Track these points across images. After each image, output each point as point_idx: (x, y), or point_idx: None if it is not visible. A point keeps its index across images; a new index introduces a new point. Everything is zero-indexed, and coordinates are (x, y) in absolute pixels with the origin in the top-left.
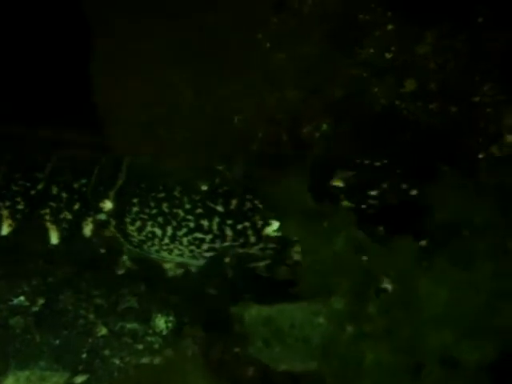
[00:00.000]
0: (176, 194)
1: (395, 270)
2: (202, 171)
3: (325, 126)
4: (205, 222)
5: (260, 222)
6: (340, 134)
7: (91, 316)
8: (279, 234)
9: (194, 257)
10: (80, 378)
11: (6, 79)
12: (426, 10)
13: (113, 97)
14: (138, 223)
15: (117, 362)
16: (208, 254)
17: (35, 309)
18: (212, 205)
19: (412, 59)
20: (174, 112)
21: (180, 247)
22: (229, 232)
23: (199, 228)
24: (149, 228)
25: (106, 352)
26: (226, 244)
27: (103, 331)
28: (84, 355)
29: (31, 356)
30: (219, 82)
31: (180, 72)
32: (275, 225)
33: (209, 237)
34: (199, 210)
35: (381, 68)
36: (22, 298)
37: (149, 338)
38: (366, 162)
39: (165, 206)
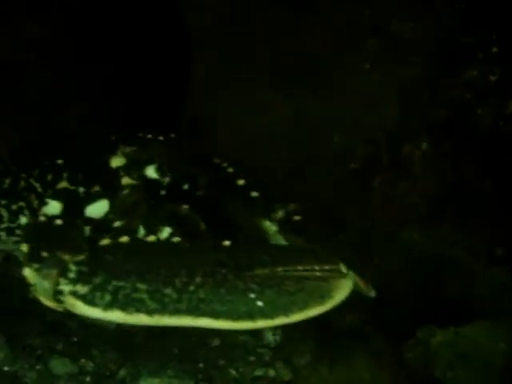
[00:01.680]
0: None
1: None
2: None
3: (425, 145)
4: None
5: (36, 202)
6: (441, 154)
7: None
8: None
9: None
10: None
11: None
12: None
13: (213, 111)
14: None
15: (233, 372)
16: None
17: None
18: None
19: None
20: (274, 131)
21: None
22: (4, 213)
23: None
24: None
25: (222, 362)
26: (4, 226)
27: (217, 342)
28: (201, 365)
29: (159, 364)
30: (319, 102)
31: (281, 93)
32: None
33: None
34: None
35: (484, 89)
36: None
37: (259, 350)
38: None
39: None
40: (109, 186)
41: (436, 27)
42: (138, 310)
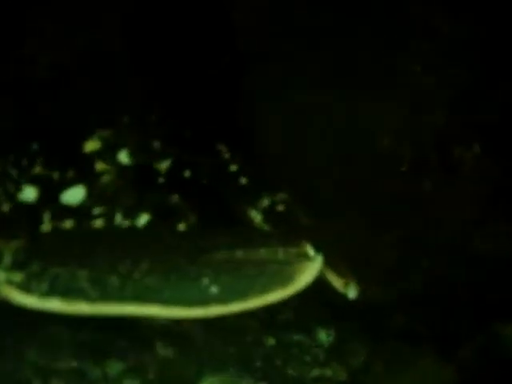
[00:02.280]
0: None
1: None
2: None
3: (476, 147)
4: None
5: (12, 188)
6: (492, 156)
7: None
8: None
9: None
10: None
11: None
12: None
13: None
14: None
15: (291, 371)
16: None
17: None
18: None
19: None
20: (323, 134)
21: None
22: None
23: None
24: None
25: (278, 362)
26: None
27: (272, 341)
28: (259, 363)
29: (220, 362)
30: (370, 103)
31: (331, 94)
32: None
33: None
34: None
35: None
36: None
37: (313, 350)
38: None
39: None
40: (83, 171)
41: (489, 31)
42: (78, 299)
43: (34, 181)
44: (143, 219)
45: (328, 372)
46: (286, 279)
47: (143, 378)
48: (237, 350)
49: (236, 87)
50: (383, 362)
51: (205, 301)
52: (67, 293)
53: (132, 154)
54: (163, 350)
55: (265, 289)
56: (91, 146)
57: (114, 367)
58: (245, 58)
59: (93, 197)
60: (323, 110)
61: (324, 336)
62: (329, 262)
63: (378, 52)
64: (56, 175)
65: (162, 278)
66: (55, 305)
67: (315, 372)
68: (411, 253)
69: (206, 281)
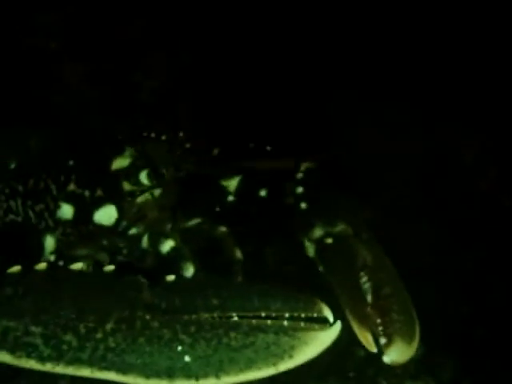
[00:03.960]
0: None
1: None
2: None
3: None
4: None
5: (52, 204)
6: None
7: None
8: None
9: None
10: None
11: None
12: None
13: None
14: None
15: (384, 383)
16: None
17: None
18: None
19: None
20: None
21: None
22: (31, 214)
23: None
24: None
25: (370, 372)
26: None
27: (362, 352)
28: (352, 374)
29: (319, 373)
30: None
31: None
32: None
33: None
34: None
35: None
36: None
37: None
38: None
39: None
40: (111, 191)
41: None
42: (29, 356)
43: (69, 199)
44: (168, 245)
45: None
46: (281, 353)
47: None
48: (331, 361)
49: None
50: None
51: (172, 372)
52: (17, 348)
53: (149, 176)
54: None
55: (247, 365)
56: (118, 163)
57: None
58: None
59: (127, 218)
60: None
61: None
62: None
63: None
64: (87, 193)
65: (128, 340)
66: (5, 357)
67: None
68: (493, 266)
69: (179, 348)
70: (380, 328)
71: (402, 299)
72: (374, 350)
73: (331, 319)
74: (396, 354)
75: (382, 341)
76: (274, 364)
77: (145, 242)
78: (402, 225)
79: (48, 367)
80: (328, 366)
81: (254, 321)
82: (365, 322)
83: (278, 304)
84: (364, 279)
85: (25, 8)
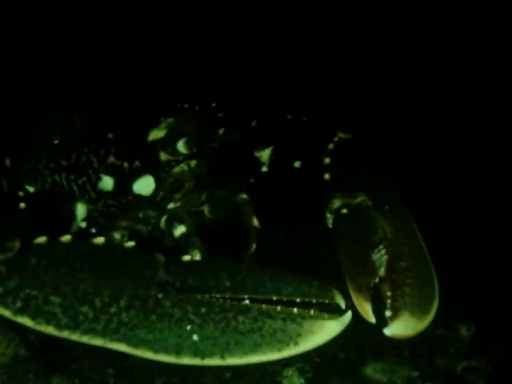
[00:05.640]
0: None
1: None
2: None
3: None
4: None
5: (93, 177)
6: None
7: None
8: None
9: None
10: (415, 373)
11: None
12: None
13: None
14: None
15: (440, 362)
16: None
17: None
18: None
19: None
20: None
21: None
22: (75, 187)
23: None
24: None
25: (426, 352)
26: None
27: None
28: (408, 353)
29: (381, 350)
30: None
31: None
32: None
33: None
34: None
35: None
36: None
37: (456, 344)
38: None
39: None
40: (148, 161)
41: None
42: (48, 322)
43: (109, 171)
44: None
45: (474, 363)
46: (287, 340)
47: None
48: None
49: None
50: None
51: (179, 349)
52: (38, 314)
53: (187, 144)
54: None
55: (252, 349)
56: (155, 134)
57: None
58: None
59: (164, 188)
60: None
61: (465, 331)
62: None
63: None
64: (125, 165)
65: (140, 317)
66: (26, 322)
67: (463, 364)
68: None
69: (188, 327)
70: (388, 301)
71: (422, 274)
72: (372, 320)
73: (343, 306)
74: (400, 328)
75: (387, 314)
76: (279, 350)
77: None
78: None
79: (64, 334)
80: (384, 345)
81: (263, 306)
82: (363, 291)
83: (289, 288)
84: (381, 251)
85: None
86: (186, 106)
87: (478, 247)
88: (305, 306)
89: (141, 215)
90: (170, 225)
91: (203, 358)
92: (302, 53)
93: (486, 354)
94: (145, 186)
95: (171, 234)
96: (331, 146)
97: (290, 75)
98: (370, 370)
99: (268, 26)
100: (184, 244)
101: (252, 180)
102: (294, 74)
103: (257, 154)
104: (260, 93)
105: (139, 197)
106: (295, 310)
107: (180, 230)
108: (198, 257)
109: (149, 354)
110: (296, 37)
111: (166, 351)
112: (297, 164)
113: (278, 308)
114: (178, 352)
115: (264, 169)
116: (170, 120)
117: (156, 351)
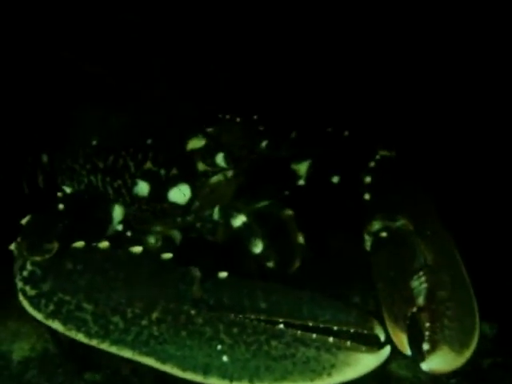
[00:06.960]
0: None
1: None
2: None
3: None
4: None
5: (129, 181)
6: None
7: None
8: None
9: None
10: None
11: None
12: None
13: None
14: None
15: None
16: None
17: None
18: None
19: None
20: None
21: None
22: (110, 190)
23: None
24: None
25: None
26: None
27: None
28: None
29: None
30: None
31: None
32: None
33: None
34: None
35: None
36: None
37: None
38: None
39: None
40: (185, 170)
41: None
42: (78, 329)
43: (145, 176)
44: (240, 220)
45: (499, 360)
46: (320, 370)
47: None
48: None
49: None
50: None
51: (208, 369)
52: (69, 320)
53: (225, 159)
54: None
55: (283, 376)
56: (193, 144)
57: None
58: None
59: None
60: None
61: (488, 329)
62: None
63: None
64: (162, 172)
65: (171, 332)
66: (57, 326)
67: (488, 360)
68: None
69: (218, 347)
70: (426, 333)
71: (463, 304)
72: (408, 353)
73: (382, 339)
74: (438, 363)
75: (425, 347)
76: (311, 379)
77: (216, 214)
78: None
79: (94, 343)
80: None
81: (298, 332)
82: (400, 321)
83: (326, 315)
84: (420, 279)
85: None
86: (228, 116)
87: (501, 245)
88: (342, 335)
89: (178, 221)
90: (227, 215)
91: (231, 380)
92: (343, 65)
93: (510, 351)
94: (180, 194)
95: (228, 225)
96: (372, 163)
97: (334, 89)
98: (394, 366)
99: (306, 39)
100: (245, 234)
101: (287, 193)
102: (337, 88)
103: (294, 167)
104: (299, 104)
105: (174, 205)
106: (331, 339)
107: (240, 219)
108: (259, 248)
109: (176, 371)
110: (342, 52)
111: (194, 370)
112: (335, 179)
113: (314, 335)
114: (206, 372)
115: (301, 182)
116: (211, 130)
117: (184, 369)
